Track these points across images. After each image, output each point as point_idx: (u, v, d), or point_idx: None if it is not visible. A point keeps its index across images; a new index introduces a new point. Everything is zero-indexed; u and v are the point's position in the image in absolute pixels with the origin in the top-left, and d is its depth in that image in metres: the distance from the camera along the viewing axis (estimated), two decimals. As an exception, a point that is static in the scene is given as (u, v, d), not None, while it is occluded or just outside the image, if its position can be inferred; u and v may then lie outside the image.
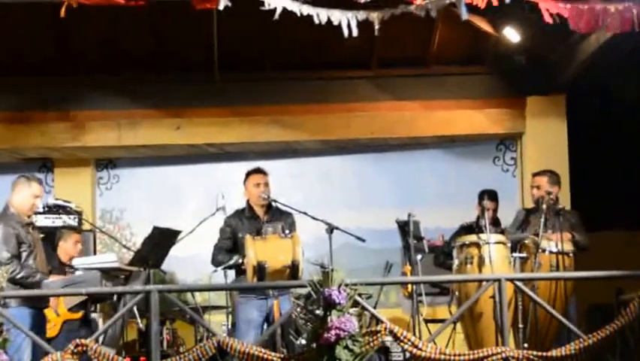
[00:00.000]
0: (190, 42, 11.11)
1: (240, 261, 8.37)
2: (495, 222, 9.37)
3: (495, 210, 9.52)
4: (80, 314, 9.14)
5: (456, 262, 8.43)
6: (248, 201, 8.81)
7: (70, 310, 9.06)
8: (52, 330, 8.95)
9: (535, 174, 9.32)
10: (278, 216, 8.70)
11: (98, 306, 9.40)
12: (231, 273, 8.72)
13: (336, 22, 7.43)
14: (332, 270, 6.87)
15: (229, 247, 8.68)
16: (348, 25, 7.45)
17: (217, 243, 8.74)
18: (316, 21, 7.52)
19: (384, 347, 8.99)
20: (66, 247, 9.62)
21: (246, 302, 8.48)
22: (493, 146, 11.93)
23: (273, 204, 8.73)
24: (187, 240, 9.06)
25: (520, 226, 9.07)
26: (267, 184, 8.75)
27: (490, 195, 9.44)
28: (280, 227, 8.24)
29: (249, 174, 8.85)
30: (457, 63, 11.62)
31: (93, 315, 9.74)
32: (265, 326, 8.48)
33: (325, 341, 6.68)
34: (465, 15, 7.58)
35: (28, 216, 8.22)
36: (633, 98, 10.35)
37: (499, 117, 11.53)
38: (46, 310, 8.80)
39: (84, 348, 7.01)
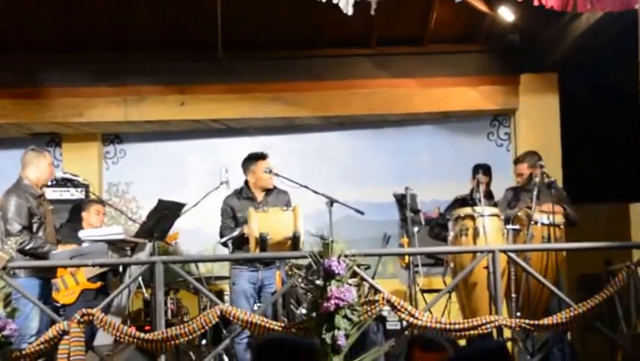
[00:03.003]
0: (195, 20, 11.04)
1: (244, 232, 8.36)
2: (488, 195, 9.37)
3: (488, 184, 9.52)
4: (97, 285, 9.13)
5: (451, 233, 8.42)
6: (247, 182, 8.78)
7: (89, 280, 9.06)
8: (69, 297, 8.97)
9: (515, 162, 9.34)
10: (274, 197, 8.69)
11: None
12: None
13: (335, 1, 7.36)
14: (332, 241, 6.87)
15: (233, 226, 8.66)
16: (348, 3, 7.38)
17: (222, 223, 8.72)
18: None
19: (381, 316, 8.98)
20: (88, 218, 9.63)
21: (239, 273, 8.49)
22: (487, 122, 11.90)
23: (275, 179, 8.70)
24: (191, 213, 9.05)
25: (508, 205, 9.07)
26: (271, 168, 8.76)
27: (484, 170, 9.43)
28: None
29: (256, 159, 8.75)
30: (453, 41, 11.57)
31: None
32: (257, 297, 8.51)
33: (325, 310, 6.67)
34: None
35: (41, 188, 8.22)
36: (622, 76, 10.31)
37: (493, 94, 11.49)
38: (67, 277, 8.83)
39: (91, 317, 7.01)
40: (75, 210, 9.82)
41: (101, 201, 10.10)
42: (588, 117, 11.14)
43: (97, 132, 11.89)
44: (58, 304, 8.73)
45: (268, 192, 8.72)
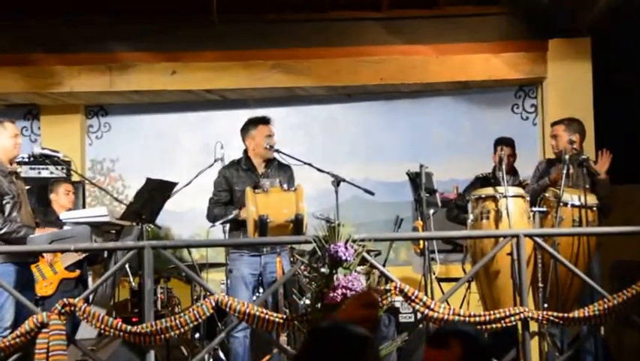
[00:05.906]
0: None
1: (237, 214, 8.33)
2: (512, 172, 9.31)
3: (511, 157, 9.46)
4: (76, 273, 9.11)
5: (471, 216, 8.34)
6: (246, 151, 8.74)
7: (66, 268, 9.03)
8: (48, 288, 8.95)
9: (552, 124, 9.24)
10: (277, 169, 8.65)
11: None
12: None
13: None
14: (338, 225, 6.83)
15: (226, 200, 8.63)
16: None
17: (212, 196, 8.70)
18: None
19: (393, 308, 8.97)
20: (57, 199, 9.63)
21: (238, 258, 8.47)
22: (511, 92, 11.85)
23: (276, 155, 8.66)
24: (183, 193, 9.00)
25: (540, 178, 8.99)
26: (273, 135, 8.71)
27: (506, 143, 9.39)
28: (278, 181, 8.18)
29: (257, 123, 8.71)
30: (473, 3, 11.50)
31: (86, 274, 9.74)
32: (257, 284, 8.47)
33: (331, 301, 6.64)
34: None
35: (11, 164, 8.14)
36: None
37: (518, 62, 11.41)
38: (44, 268, 8.77)
39: (72, 308, 6.96)
40: (41, 193, 9.74)
41: (68, 180, 10.04)
42: (624, 88, 11.06)
43: (79, 103, 11.86)
44: (36, 297, 8.70)
45: (269, 163, 8.67)
